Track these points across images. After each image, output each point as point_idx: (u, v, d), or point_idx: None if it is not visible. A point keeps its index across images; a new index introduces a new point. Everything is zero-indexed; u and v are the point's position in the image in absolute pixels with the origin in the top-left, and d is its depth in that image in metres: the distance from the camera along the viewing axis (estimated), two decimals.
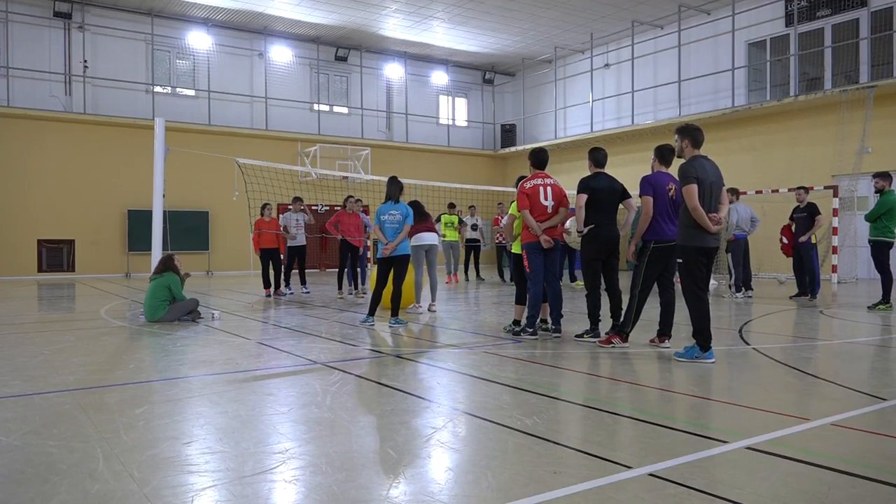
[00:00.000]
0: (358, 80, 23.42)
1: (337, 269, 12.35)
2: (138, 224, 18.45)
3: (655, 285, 6.43)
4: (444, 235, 14.91)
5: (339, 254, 12.19)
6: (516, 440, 3.51)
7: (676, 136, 5.82)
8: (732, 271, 11.70)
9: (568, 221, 7.16)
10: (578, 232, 6.78)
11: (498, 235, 15.80)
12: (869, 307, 9.70)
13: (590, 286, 6.83)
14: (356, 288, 12.41)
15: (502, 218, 15.62)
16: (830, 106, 16.18)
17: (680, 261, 5.74)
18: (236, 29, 21.12)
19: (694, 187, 5.48)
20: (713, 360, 5.65)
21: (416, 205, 9.24)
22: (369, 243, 13.96)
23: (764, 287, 13.64)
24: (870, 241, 9.74)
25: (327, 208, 21.38)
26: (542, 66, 25.05)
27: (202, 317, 8.70)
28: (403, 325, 7.97)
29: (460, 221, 15.29)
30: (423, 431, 3.70)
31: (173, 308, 8.42)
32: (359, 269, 12.54)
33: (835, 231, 15.10)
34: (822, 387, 4.82)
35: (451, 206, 15.37)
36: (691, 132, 5.73)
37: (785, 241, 11.47)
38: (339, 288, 12.12)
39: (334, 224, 11.86)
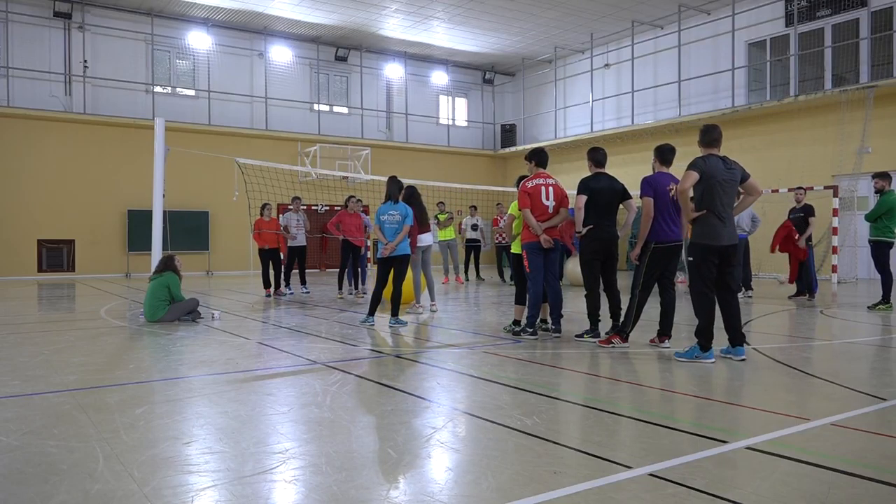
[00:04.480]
0: (358, 80, 23.42)
1: (338, 269, 12.37)
2: (138, 224, 18.44)
3: (656, 286, 6.44)
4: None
5: (340, 254, 12.20)
6: (516, 440, 3.50)
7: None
8: None
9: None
10: (577, 233, 6.78)
11: (498, 235, 15.80)
12: (869, 307, 9.70)
13: (589, 286, 6.83)
14: (356, 288, 12.41)
15: (501, 218, 15.63)
16: (830, 106, 16.18)
17: (690, 258, 5.75)
18: (236, 29, 21.12)
19: (692, 174, 5.49)
20: (713, 360, 5.65)
21: (412, 192, 9.11)
22: (369, 243, 13.96)
23: (764, 287, 13.64)
24: (870, 241, 9.74)
25: (327, 208, 21.38)
26: (542, 66, 25.05)
27: (202, 317, 8.70)
28: (403, 325, 7.97)
29: (449, 218, 15.21)
30: (423, 431, 3.70)
31: (173, 308, 8.42)
32: (359, 269, 12.55)
33: (835, 231, 15.11)
34: (822, 387, 4.82)
35: (440, 204, 15.47)
36: (701, 132, 5.75)
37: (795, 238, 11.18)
38: (340, 288, 12.13)
39: (336, 224, 11.88)
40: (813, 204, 11.29)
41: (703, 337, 5.67)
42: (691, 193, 5.68)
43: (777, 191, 15.64)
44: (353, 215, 11.98)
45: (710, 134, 5.71)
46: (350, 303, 11.06)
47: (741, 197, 5.89)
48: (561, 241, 7.15)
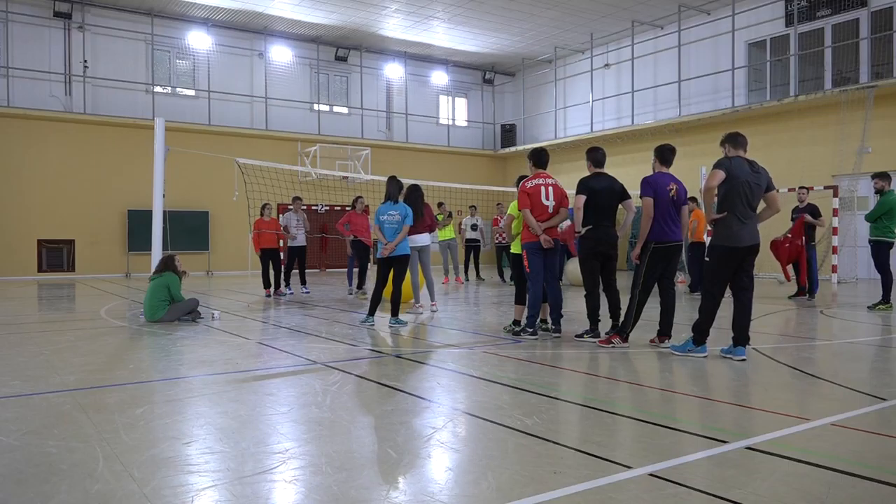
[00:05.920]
0: (358, 80, 23.42)
1: (357, 269, 12.43)
2: (138, 224, 18.44)
3: (656, 286, 6.44)
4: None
5: (354, 253, 12.23)
6: (516, 440, 3.51)
7: (721, 148, 5.83)
8: None
9: (565, 223, 7.15)
10: (576, 233, 6.78)
11: (498, 235, 15.80)
12: (869, 307, 9.70)
13: (589, 287, 6.83)
14: (358, 288, 12.38)
15: (501, 218, 15.63)
16: (830, 106, 16.18)
17: (707, 259, 5.78)
18: (236, 29, 21.11)
19: (718, 172, 5.51)
20: (705, 354, 5.76)
21: (414, 191, 9.06)
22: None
23: (764, 287, 13.62)
24: (870, 241, 9.74)
25: (327, 208, 21.39)
26: (542, 66, 25.05)
27: (202, 317, 8.70)
28: (403, 325, 7.97)
29: (448, 217, 15.13)
30: (423, 431, 3.70)
31: (173, 308, 8.42)
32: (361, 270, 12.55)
33: (835, 231, 15.11)
34: (822, 387, 4.82)
35: (440, 204, 15.42)
36: (729, 137, 5.76)
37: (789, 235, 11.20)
38: (359, 287, 12.22)
39: (344, 224, 11.89)
40: (814, 204, 11.31)
41: (699, 332, 5.76)
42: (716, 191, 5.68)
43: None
44: (362, 216, 11.99)
45: (736, 138, 5.74)
46: (351, 303, 11.06)
47: (763, 208, 5.84)
48: (562, 241, 7.15)
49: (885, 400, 4.32)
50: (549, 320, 7.29)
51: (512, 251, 7.63)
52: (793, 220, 11.31)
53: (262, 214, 12.22)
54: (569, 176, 16.19)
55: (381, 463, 3.18)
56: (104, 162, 18.97)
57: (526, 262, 6.96)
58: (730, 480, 2.91)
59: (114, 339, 7.23)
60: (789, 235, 11.15)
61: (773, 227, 11.97)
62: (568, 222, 7.95)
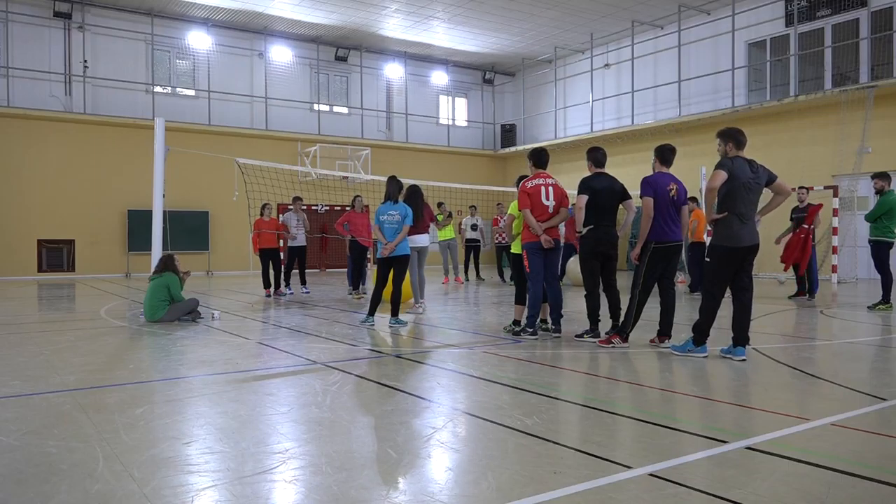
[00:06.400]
0: (358, 80, 23.42)
1: (346, 269, 12.27)
2: (138, 224, 18.44)
3: (656, 286, 6.44)
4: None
5: (351, 253, 12.12)
6: (516, 440, 3.50)
7: (718, 140, 5.78)
8: None
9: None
10: (577, 232, 6.78)
11: (498, 235, 15.80)
12: (869, 307, 9.70)
13: (589, 287, 6.83)
14: (356, 289, 12.37)
15: (501, 218, 15.62)
16: (830, 106, 16.18)
17: (708, 259, 5.78)
18: (236, 29, 21.11)
19: (721, 173, 5.48)
20: (705, 354, 5.76)
21: (414, 192, 9.06)
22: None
23: (764, 287, 13.63)
24: (870, 241, 9.75)
25: (327, 208, 21.39)
26: (542, 66, 25.05)
27: (202, 317, 8.70)
28: (403, 325, 7.97)
29: (448, 217, 15.07)
30: (423, 431, 3.70)
31: (173, 308, 8.42)
32: (360, 270, 12.52)
33: (835, 231, 15.11)
34: (822, 387, 4.82)
35: (440, 205, 15.37)
36: (732, 135, 5.71)
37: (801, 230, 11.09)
38: (355, 287, 12.13)
39: (343, 224, 11.85)
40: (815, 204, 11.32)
41: (699, 332, 5.77)
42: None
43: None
44: (362, 215, 11.94)
45: (739, 137, 5.71)
46: (351, 303, 11.06)
47: (771, 197, 5.84)
48: (565, 240, 7.15)
49: (885, 400, 4.32)
50: (549, 320, 7.29)
51: (512, 251, 7.63)
52: (792, 219, 11.30)
53: (261, 214, 12.21)
54: (569, 176, 16.21)
55: (381, 463, 3.18)
56: (104, 162, 18.97)
57: (526, 262, 6.96)
58: (730, 480, 2.91)
59: (114, 339, 7.23)
60: (805, 226, 11.02)
61: (773, 226, 12.03)
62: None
